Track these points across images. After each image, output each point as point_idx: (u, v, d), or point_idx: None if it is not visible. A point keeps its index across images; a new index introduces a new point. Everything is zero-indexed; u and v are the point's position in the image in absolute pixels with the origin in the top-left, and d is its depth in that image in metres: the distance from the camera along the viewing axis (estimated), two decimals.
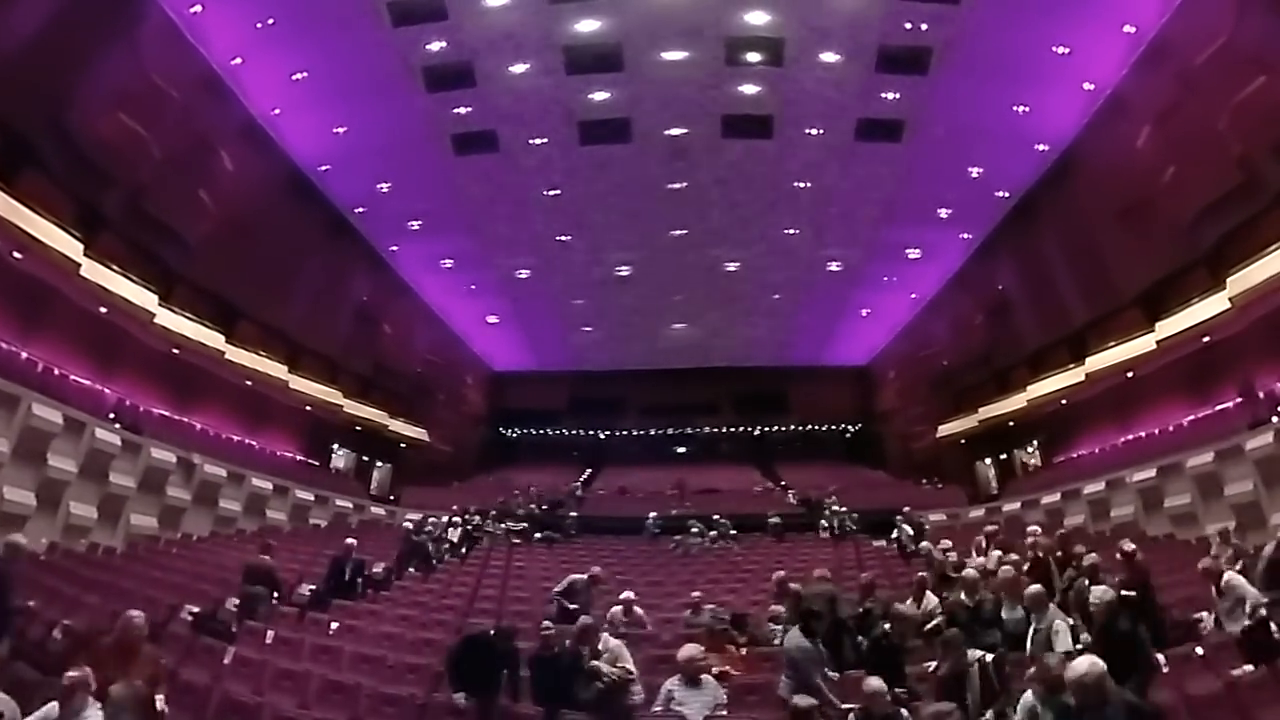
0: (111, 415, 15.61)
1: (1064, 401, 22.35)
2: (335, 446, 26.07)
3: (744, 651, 7.50)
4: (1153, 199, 17.29)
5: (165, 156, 16.52)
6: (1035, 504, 19.77)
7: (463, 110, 19.11)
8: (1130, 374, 19.62)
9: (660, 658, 7.15)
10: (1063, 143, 18.98)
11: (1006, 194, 21.40)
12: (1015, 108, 18.18)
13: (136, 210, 16.96)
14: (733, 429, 35.53)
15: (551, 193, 22.44)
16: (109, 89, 14.90)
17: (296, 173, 20.35)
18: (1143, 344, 18.83)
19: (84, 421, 14.09)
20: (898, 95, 18.42)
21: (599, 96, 18.97)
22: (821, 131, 19.87)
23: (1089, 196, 19.13)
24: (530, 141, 20.34)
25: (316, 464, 23.65)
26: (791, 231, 24.31)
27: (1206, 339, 17.01)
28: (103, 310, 16.35)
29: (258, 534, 16.96)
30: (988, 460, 24.15)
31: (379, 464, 24.51)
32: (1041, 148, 19.36)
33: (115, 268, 16.32)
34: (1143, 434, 19.14)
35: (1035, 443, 24.83)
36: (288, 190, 20.45)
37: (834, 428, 35.44)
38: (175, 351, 18.67)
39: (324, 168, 20.61)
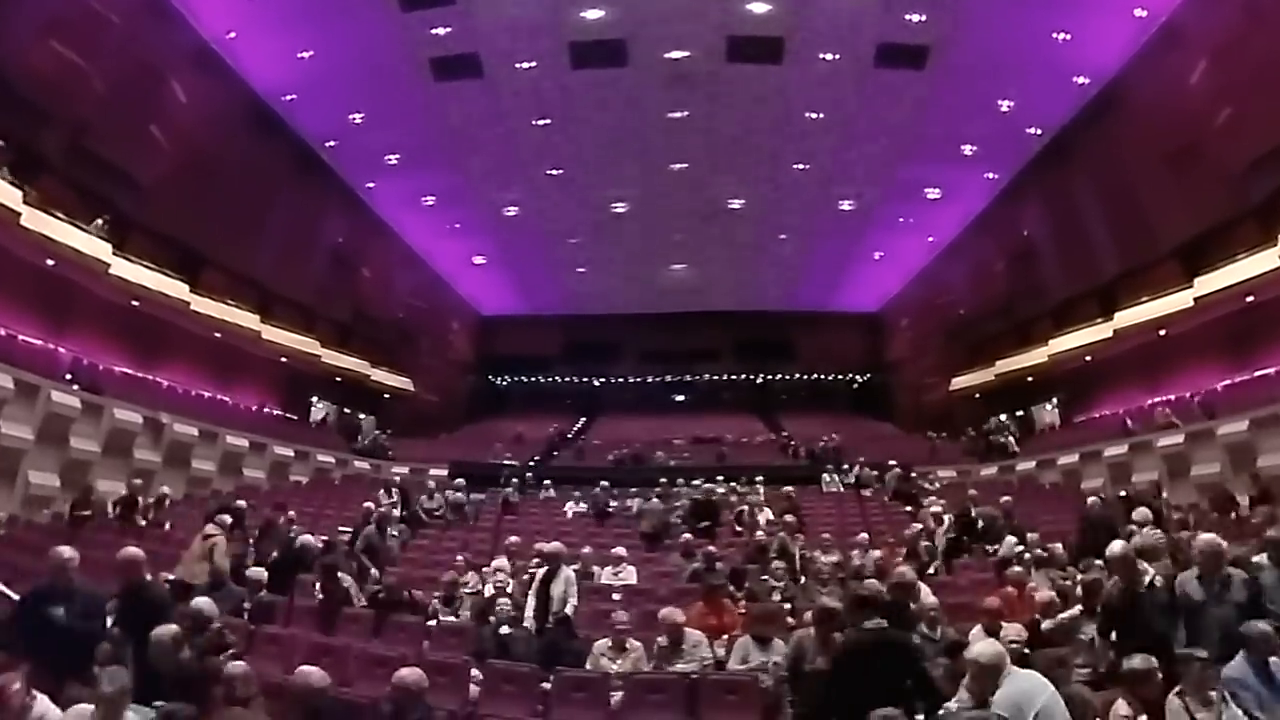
0: (68, 376, 14.78)
1: (1089, 358, 21.72)
2: (314, 399, 25.49)
3: (742, 607, 7.28)
4: (1203, 143, 16.45)
5: (108, 89, 15.49)
6: (1052, 464, 19.16)
7: (442, 31, 18.02)
8: (1163, 332, 18.87)
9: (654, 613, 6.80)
10: (1106, 76, 17.90)
11: (1039, 131, 20.40)
12: (1054, 35, 17.06)
13: (80, 150, 15.93)
14: (734, 377, 34.69)
15: (541, 122, 21.54)
16: (37, 15, 13.87)
17: (258, 103, 19.23)
18: (1179, 300, 18.01)
19: (37, 385, 13.20)
20: (923, 17, 17.36)
21: (592, 15, 17.91)
22: (837, 57, 18.88)
23: (1131, 137, 18.19)
24: (517, 65, 19.31)
25: (295, 418, 23.14)
26: (801, 167, 23.43)
27: (1250, 298, 16.15)
28: (50, 263, 15.29)
29: (234, 494, 16.33)
30: (1004, 417, 23.46)
31: (362, 416, 24.10)
32: (1081, 81, 18.25)
33: (60, 215, 15.18)
34: (1172, 396, 18.43)
35: (1055, 400, 24.34)
36: (250, 123, 19.33)
37: (841, 377, 34.77)
38: (135, 304, 17.73)
39: (289, 97, 19.45)
